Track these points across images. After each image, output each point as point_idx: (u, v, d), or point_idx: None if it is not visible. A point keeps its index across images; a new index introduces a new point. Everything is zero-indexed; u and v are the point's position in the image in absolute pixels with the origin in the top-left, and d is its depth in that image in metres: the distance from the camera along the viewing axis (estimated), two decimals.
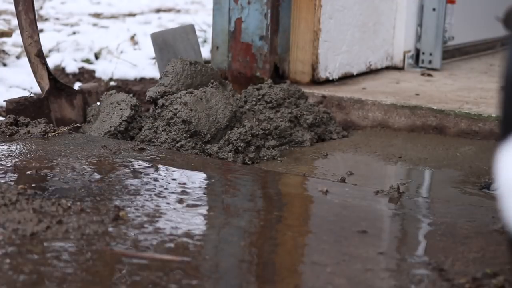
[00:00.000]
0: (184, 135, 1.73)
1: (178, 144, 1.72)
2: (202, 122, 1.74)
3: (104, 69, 3.51)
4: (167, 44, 2.14)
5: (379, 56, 2.60)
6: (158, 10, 5.89)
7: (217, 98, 1.79)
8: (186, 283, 0.99)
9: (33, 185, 1.33)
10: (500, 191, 0.81)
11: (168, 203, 1.31)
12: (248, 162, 1.70)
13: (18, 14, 1.85)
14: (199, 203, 1.33)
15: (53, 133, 1.73)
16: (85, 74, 3.53)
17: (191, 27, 2.23)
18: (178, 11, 5.90)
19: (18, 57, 3.72)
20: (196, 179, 1.48)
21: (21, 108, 1.84)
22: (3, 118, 1.82)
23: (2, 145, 1.58)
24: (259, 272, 1.04)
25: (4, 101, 1.89)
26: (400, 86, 2.35)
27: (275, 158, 1.74)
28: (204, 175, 1.54)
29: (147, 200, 1.31)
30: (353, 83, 2.37)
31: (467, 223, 1.29)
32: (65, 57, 3.63)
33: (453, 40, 2.90)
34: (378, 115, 2.07)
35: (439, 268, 1.07)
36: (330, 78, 2.34)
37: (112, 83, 3.38)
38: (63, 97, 1.93)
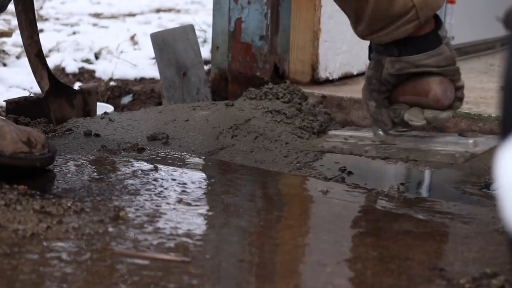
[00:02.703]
0: None
1: None
2: None
3: (104, 69, 3.51)
4: (166, 44, 2.14)
5: None
6: (158, 10, 5.89)
7: None
8: (186, 283, 0.99)
9: (33, 185, 1.33)
10: (500, 191, 0.81)
11: (168, 203, 1.31)
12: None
13: (18, 14, 1.85)
14: (199, 203, 1.33)
15: (53, 133, 1.73)
16: (85, 74, 3.53)
17: (191, 27, 2.23)
18: (178, 11, 5.90)
19: (18, 57, 3.72)
20: (196, 179, 1.48)
21: (21, 108, 1.84)
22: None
23: None
24: (259, 272, 1.04)
25: (4, 101, 1.89)
26: None
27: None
28: (204, 175, 1.54)
29: (147, 200, 1.31)
30: (353, 83, 2.37)
31: (467, 223, 1.29)
32: (65, 57, 3.64)
33: (453, 40, 2.90)
34: None
35: (439, 268, 1.07)
36: (330, 78, 2.34)
37: (112, 83, 3.38)
38: (63, 97, 1.93)
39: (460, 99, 1.50)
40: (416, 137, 1.58)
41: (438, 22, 1.46)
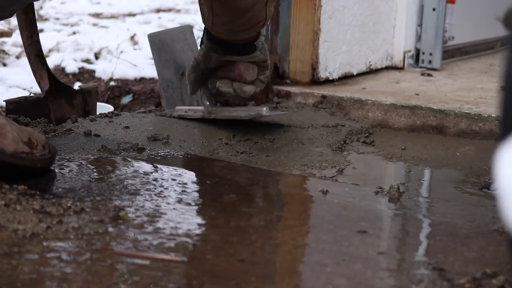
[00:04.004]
0: None
1: None
2: None
3: (104, 69, 3.51)
4: (164, 45, 2.13)
5: (379, 56, 2.60)
6: (158, 10, 5.90)
7: None
8: (186, 283, 0.99)
9: (33, 185, 1.33)
10: (500, 191, 0.81)
11: (168, 203, 1.31)
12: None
13: (18, 14, 1.85)
14: (199, 203, 1.33)
15: (53, 133, 1.73)
16: (85, 74, 3.53)
17: (189, 28, 2.23)
18: (178, 11, 5.91)
19: (18, 57, 3.72)
20: (196, 179, 1.48)
21: (21, 108, 1.84)
22: None
23: None
24: (259, 272, 1.04)
25: (4, 101, 1.89)
26: (400, 86, 2.35)
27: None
28: (204, 175, 1.54)
29: (147, 200, 1.31)
30: (353, 83, 2.37)
31: (467, 223, 1.29)
32: (65, 57, 3.64)
33: (453, 40, 2.90)
34: (378, 115, 2.07)
35: (439, 268, 1.07)
36: (330, 78, 2.34)
37: (112, 83, 3.38)
38: (63, 97, 1.93)
39: (261, 81, 1.86)
40: (233, 107, 1.93)
41: (257, 35, 1.79)
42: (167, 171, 1.51)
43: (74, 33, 4.46)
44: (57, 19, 5.20)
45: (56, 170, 1.45)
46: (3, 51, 3.75)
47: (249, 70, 1.82)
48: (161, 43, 2.13)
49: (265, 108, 1.84)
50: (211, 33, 1.77)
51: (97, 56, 3.75)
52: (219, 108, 1.91)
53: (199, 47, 1.86)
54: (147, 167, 1.53)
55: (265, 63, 1.84)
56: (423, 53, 2.73)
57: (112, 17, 5.41)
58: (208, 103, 1.90)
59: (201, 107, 1.94)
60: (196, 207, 1.30)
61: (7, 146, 1.34)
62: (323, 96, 2.15)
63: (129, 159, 1.57)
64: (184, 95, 2.16)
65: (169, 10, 5.90)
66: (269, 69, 1.87)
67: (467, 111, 1.99)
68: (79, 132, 1.77)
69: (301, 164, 1.65)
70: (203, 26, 1.78)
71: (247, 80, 1.82)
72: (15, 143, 1.35)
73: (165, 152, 1.66)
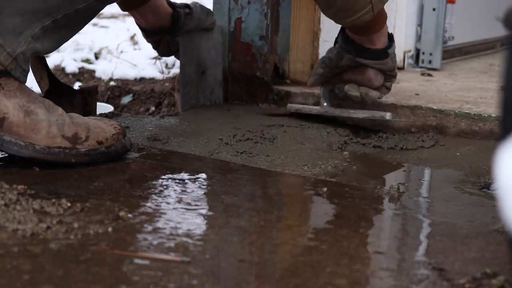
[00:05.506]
0: None
1: None
2: None
3: (104, 69, 3.51)
4: (192, 41, 2.12)
5: None
6: None
7: None
8: (186, 283, 0.99)
9: (33, 185, 1.33)
10: (500, 191, 0.81)
11: (168, 203, 1.31)
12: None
13: None
14: (199, 203, 1.33)
15: None
16: (85, 74, 3.53)
17: (219, 27, 2.22)
18: None
19: None
20: (196, 179, 1.48)
21: None
22: None
23: None
24: (259, 272, 1.05)
25: None
26: (400, 86, 2.35)
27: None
28: (204, 175, 1.54)
29: (147, 200, 1.31)
30: None
31: (467, 223, 1.29)
32: (65, 57, 3.63)
33: (453, 40, 2.90)
34: None
35: (439, 268, 1.07)
36: None
37: (112, 83, 3.38)
38: (63, 97, 1.93)
39: (387, 88, 1.96)
40: (352, 109, 2.00)
41: (390, 41, 1.89)
42: (167, 171, 1.51)
43: None
44: None
45: (57, 170, 1.45)
46: None
47: (378, 76, 1.90)
48: (190, 38, 2.11)
49: (388, 113, 1.93)
50: (347, 33, 1.85)
51: (97, 56, 3.75)
52: (338, 109, 2.00)
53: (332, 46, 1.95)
54: (147, 167, 1.53)
55: (393, 72, 1.92)
56: (423, 53, 2.73)
57: (112, 17, 5.41)
58: (325, 103, 2.01)
59: (315, 107, 2.05)
60: (196, 207, 1.30)
61: (38, 141, 1.43)
62: None
63: (129, 159, 1.57)
64: (199, 94, 2.15)
65: None
66: (396, 77, 1.94)
67: (467, 111, 1.99)
68: None
69: (301, 164, 1.65)
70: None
71: (374, 85, 1.90)
72: (49, 139, 1.44)
73: (165, 152, 1.66)
